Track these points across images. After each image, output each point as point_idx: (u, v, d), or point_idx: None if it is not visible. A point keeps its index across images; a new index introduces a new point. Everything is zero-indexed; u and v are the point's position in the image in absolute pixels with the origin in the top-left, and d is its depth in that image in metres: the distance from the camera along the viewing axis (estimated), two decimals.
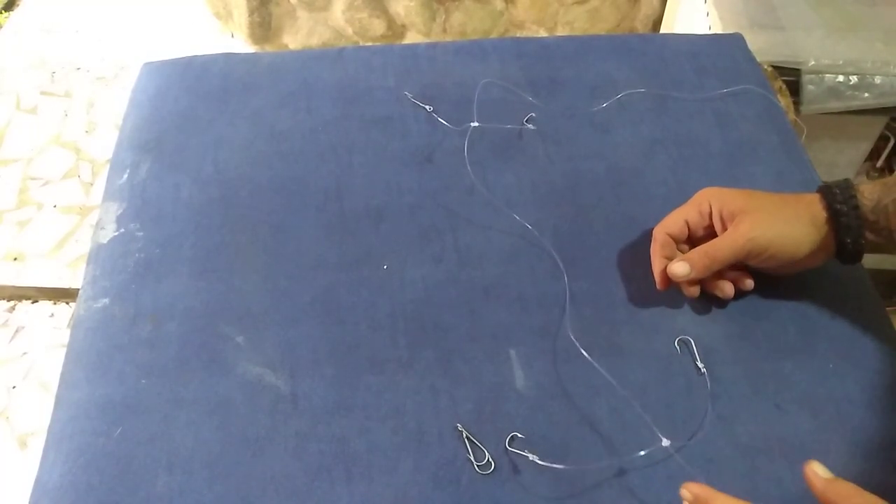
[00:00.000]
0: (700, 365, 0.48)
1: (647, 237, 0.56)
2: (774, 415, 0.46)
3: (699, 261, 0.48)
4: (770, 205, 0.48)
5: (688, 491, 0.38)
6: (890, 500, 0.41)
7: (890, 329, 0.51)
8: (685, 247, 0.52)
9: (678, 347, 0.50)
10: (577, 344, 0.49)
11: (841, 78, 0.98)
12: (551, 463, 0.44)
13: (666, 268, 0.49)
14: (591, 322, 0.51)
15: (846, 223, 0.46)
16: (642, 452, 0.44)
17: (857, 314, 0.51)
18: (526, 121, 0.64)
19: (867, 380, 0.48)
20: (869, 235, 0.46)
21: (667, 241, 0.51)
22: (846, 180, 0.47)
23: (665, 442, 0.44)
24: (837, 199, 0.46)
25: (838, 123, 1.05)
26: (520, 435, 0.46)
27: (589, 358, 0.48)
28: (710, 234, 0.51)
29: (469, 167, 0.60)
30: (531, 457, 0.44)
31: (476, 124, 0.62)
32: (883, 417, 0.46)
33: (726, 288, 0.50)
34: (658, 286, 0.51)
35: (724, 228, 0.49)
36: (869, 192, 0.46)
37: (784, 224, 0.47)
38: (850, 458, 0.44)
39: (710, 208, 0.50)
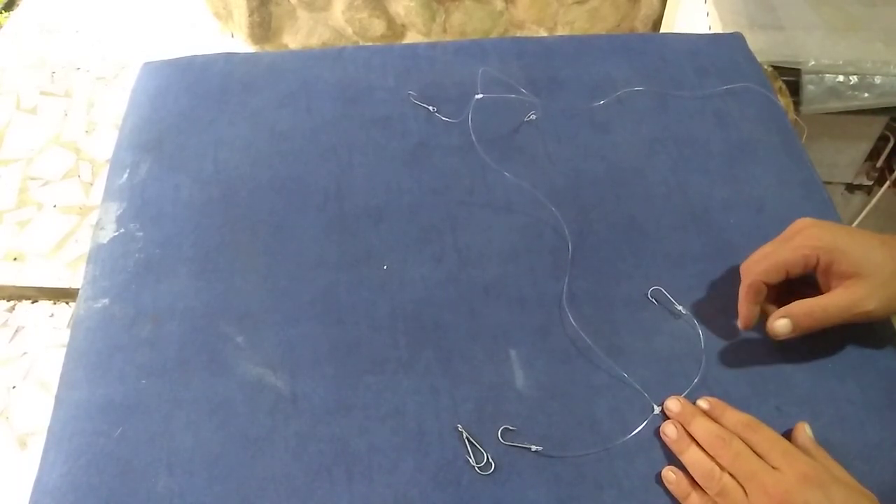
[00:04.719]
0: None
1: (647, 236, 0.56)
2: (775, 416, 0.46)
3: (803, 321, 0.45)
4: (886, 272, 0.44)
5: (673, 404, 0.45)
6: (891, 501, 0.41)
7: (890, 329, 0.51)
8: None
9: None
10: (576, 325, 0.49)
11: (841, 78, 0.98)
12: (550, 454, 0.44)
13: (765, 322, 0.46)
14: (591, 322, 0.51)
15: None
16: (640, 427, 0.45)
17: None
18: (526, 121, 0.64)
19: (867, 380, 0.48)
20: None
21: (762, 288, 0.47)
22: None
23: (657, 409, 0.46)
24: None
25: (838, 123, 1.05)
26: (521, 434, 0.46)
27: (586, 337, 0.48)
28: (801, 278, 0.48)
29: (477, 145, 0.60)
30: (533, 448, 0.45)
31: (480, 96, 0.62)
32: (883, 418, 0.46)
33: (778, 328, 0.46)
34: (742, 326, 0.49)
35: (828, 283, 0.47)
36: None
37: (893, 294, 0.45)
38: (850, 459, 0.44)
39: (818, 260, 0.46)
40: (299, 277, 0.54)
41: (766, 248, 0.49)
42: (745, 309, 0.48)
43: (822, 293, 0.47)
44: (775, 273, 0.47)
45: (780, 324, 0.46)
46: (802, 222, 0.48)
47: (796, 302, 0.46)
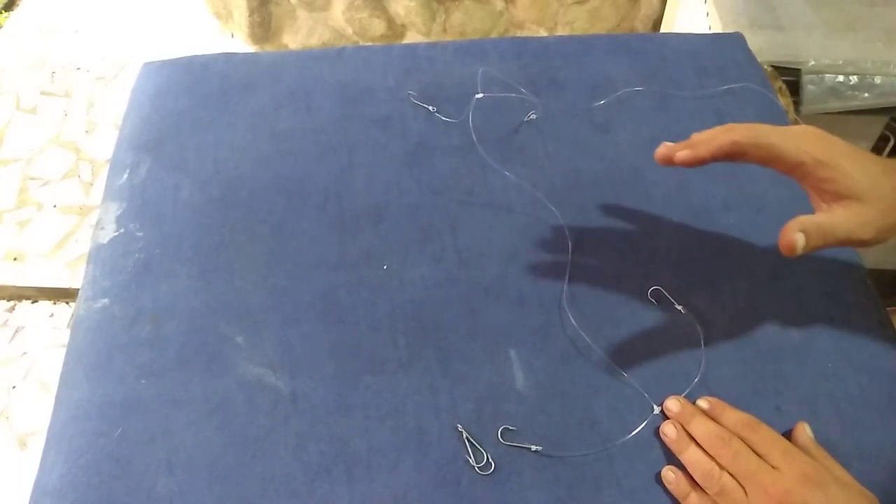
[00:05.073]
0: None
1: (646, 235, 0.56)
2: (774, 416, 0.46)
3: (814, 239, 0.42)
4: (886, 202, 0.42)
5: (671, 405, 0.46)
6: (891, 502, 0.41)
7: (890, 329, 0.51)
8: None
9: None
10: (576, 325, 0.49)
11: (841, 78, 0.98)
12: (550, 453, 0.44)
13: (785, 229, 0.42)
14: (591, 322, 0.51)
15: None
16: (640, 427, 0.45)
17: (857, 314, 0.51)
18: (526, 120, 0.64)
19: (867, 380, 0.48)
20: None
21: (735, 154, 0.44)
22: None
23: (656, 409, 0.46)
24: None
25: (838, 123, 1.05)
26: (521, 434, 0.46)
27: (586, 337, 0.48)
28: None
29: (478, 145, 0.60)
30: (533, 448, 0.45)
31: (480, 95, 0.62)
32: (883, 417, 0.46)
33: (799, 242, 0.42)
34: (679, 160, 0.45)
35: (819, 198, 0.44)
36: None
37: (890, 226, 0.42)
38: (850, 460, 0.44)
39: (811, 173, 0.43)
40: (299, 277, 0.54)
41: (767, 128, 0.44)
42: (701, 155, 0.44)
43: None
44: (764, 154, 0.44)
45: (800, 237, 0.42)
46: (808, 129, 0.44)
47: (805, 217, 0.43)
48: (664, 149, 0.46)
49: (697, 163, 0.44)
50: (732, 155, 0.44)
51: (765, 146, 0.43)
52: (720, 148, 0.44)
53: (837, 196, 0.43)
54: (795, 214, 0.52)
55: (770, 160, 0.44)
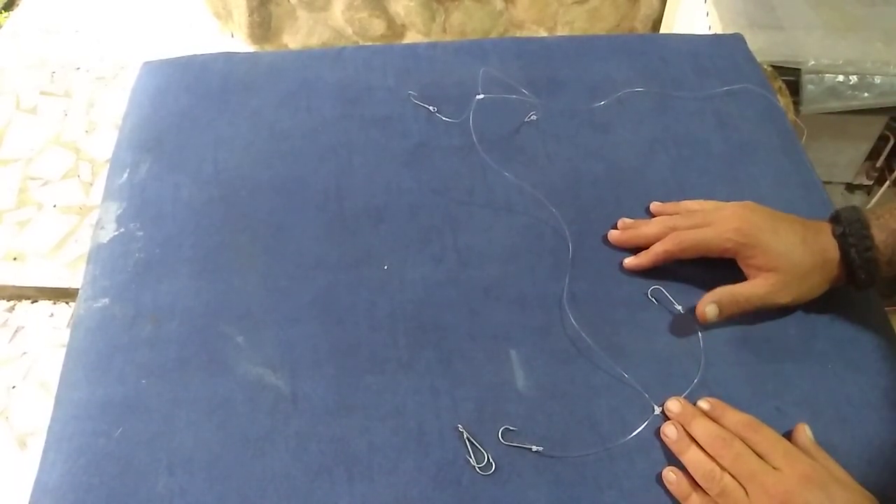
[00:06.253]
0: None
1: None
2: (774, 417, 0.46)
3: (728, 308, 0.49)
4: (801, 269, 0.48)
5: (671, 406, 0.46)
6: (891, 502, 0.41)
7: (890, 329, 0.51)
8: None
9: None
10: (576, 325, 0.49)
11: (841, 78, 0.98)
12: (550, 454, 0.44)
13: (701, 301, 0.49)
14: (591, 322, 0.51)
15: (864, 281, 0.48)
16: (640, 427, 0.45)
17: (857, 315, 0.51)
18: (526, 121, 0.64)
19: (867, 381, 0.48)
20: (884, 274, 0.48)
21: (670, 256, 0.52)
22: (865, 238, 0.47)
23: (657, 410, 0.46)
24: (856, 264, 0.47)
25: (838, 123, 1.05)
26: (521, 434, 0.46)
27: (586, 337, 0.48)
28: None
29: (478, 145, 0.60)
30: (534, 448, 0.45)
31: (481, 96, 0.62)
32: (883, 418, 0.46)
33: (709, 314, 0.49)
34: (630, 267, 0.53)
35: (747, 269, 0.50)
36: (884, 247, 0.47)
37: (808, 289, 0.49)
38: (850, 460, 0.44)
39: (738, 252, 0.50)
40: (299, 277, 0.54)
41: (697, 218, 0.52)
42: (644, 263, 0.53)
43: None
44: (695, 250, 0.51)
45: (710, 309, 0.49)
46: (735, 212, 0.51)
47: (721, 288, 0.49)
48: (615, 234, 0.55)
49: (641, 269, 0.53)
50: (668, 259, 0.52)
51: (692, 247, 0.51)
52: (657, 257, 0.52)
53: (760, 269, 0.49)
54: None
55: (701, 252, 0.51)
